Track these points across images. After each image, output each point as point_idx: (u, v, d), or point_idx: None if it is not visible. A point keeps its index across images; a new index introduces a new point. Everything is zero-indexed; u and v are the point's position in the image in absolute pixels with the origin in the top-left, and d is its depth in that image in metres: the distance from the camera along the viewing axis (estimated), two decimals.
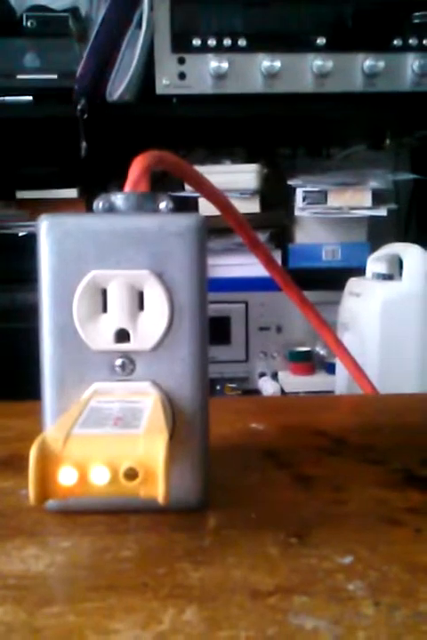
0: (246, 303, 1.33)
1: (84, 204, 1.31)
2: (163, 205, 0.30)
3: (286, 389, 1.30)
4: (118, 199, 0.30)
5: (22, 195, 1.32)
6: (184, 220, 0.28)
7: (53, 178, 1.30)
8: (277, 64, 1.18)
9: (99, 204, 0.30)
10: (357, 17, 1.20)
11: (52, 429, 0.25)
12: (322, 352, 1.32)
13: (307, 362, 1.32)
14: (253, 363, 1.36)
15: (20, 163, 1.36)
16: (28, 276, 1.16)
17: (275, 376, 1.35)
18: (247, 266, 1.29)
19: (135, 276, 0.28)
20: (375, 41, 1.20)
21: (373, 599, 0.23)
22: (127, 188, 0.31)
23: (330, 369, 1.24)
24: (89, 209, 1.16)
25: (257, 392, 1.33)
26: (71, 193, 1.31)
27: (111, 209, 0.30)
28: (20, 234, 1.29)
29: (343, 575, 0.25)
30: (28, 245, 1.15)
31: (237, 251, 1.28)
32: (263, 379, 1.35)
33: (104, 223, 0.28)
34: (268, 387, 1.31)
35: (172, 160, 0.34)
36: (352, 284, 1.07)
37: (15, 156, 1.37)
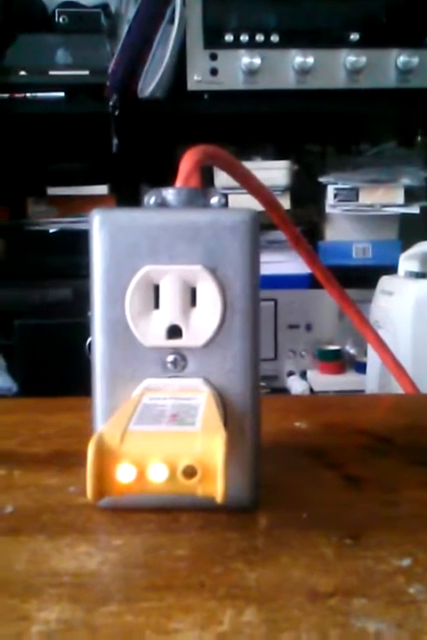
0: (276, 301, 1.33)
1: (115, 200, 1.31)
2: (215, 200, 0.30)
3: (315, 388, 1.29)
4: (170, 194, 0.30)
5: (53, 191, 1.32)
6: (237, 215, 0.28)
7: (84, 174, 1.31)
8: (310, 60, 1.17)
9: (150, 198, 0.29)
10: (390, 12, 1.19)
11: (107, 426, 0.24)
12: (352, 351, 1.31)
13: (336, 361, 1.31)
14: (282, 361, 1.35)
15: (52, 159, 1.36)
16: (59, 272, 1.17)
17: (304, 375, 1.34)
18: (277, 263, 1.28)
19: (188, 272, 0.28)
20: (409, 36, 1.19)
21: None
22: (178, 182, 0.30)
23: (360, 368, 1.23)
24: (119, 205, 1.17)
25: (286, 391, 1.32)
26: (102, 189, 1.31)
27: (163, 204, 0.30)
28: (51, 230, 1.29)
29: (403, 578, 0.24)
30: (59, 242, 1.17)
31: (266, 248, 1.27)
32: (292, 377, 1.34)
33: (157, 218, 0.28)
34: (296, 385, 1.30)
35: (221, 155, 0.34)
36: (384, 282, 1.06)
37: (46, 152, 1.38)
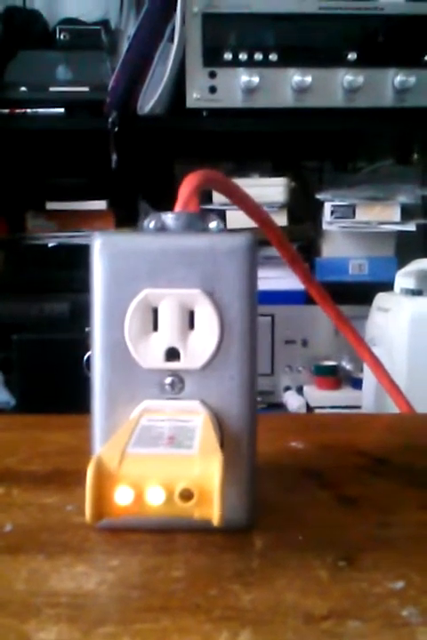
0: (272, 316, 1.33)
1: (113, 215, 1.32)
2: (213, 225, 0.30)
3: (312, 404, 1.29)
4: (169, 218, 0.30)
5: (52, 206, 1.33)
6: (235, 240, 0.29)
7: (83, 189, 1.31)
8: (308, 79, 1.18)
9: (150, 223, 0.30)
10: (388, 32, 1.20)
11: (106, 448, 0.25)
12: (348, 366, 1.31)
13: (333, 376, 1.31)
14: (279, 376, 1.35)
15: (51, 174, 1.37)
16: (57, 287, 1.17)
17: (300, 390, 1.35)
18: (274, 279, 1.29)
19: (186, 295, 0.28)
20: (406, 56, 1.20)
21: None
22: (178, 207, 0.31)
23: (356, 384, 1.23)
24: (118, 221, 1.17)
25: (282, 406, 1.32)
26: (100, 205, 1.32)
27: (162, 228, 0.30)
28: (50, 245, 1.30)
29: (397, 600, 0.24)
30: (58, 256, 1.17)
31: (264, 264, 1.27)
32: (288, 392, 1.34)
33: (156, 242, 0.29)
34: (293, 401, 1.30)
35: (220, 179, 0.35)
36: (380, 299, 1.06)
37: (46, 167, 1.38)
